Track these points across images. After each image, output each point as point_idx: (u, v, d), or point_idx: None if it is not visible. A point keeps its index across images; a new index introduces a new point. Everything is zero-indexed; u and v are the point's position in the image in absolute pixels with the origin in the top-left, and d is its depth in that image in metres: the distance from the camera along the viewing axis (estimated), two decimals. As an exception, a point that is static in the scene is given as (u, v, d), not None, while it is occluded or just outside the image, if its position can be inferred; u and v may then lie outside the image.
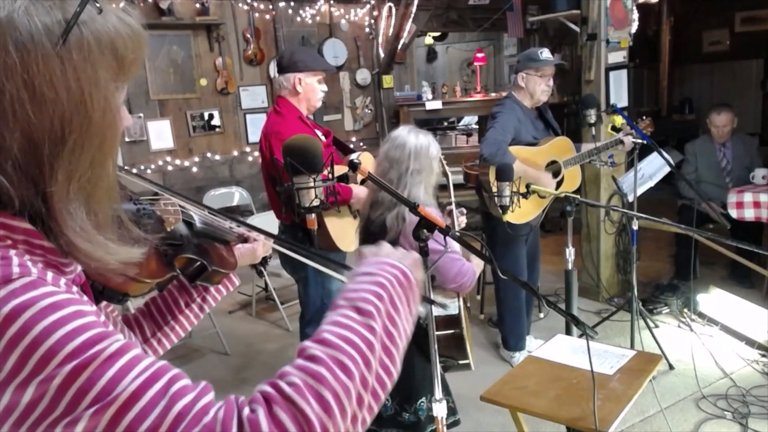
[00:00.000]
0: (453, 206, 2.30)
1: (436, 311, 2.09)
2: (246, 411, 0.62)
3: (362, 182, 2.83)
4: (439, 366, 1.52)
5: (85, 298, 0.75)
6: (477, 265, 2.16)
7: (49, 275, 0.65)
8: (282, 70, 2.84)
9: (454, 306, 2.12)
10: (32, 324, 0.59)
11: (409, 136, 2.17)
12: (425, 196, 2.14)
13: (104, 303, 0.93)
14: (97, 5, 0.66)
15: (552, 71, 3.32)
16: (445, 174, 2.32)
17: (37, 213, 0.66)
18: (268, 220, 3.47)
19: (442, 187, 2.37)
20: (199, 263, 1.03)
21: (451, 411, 2.22)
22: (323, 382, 0.66)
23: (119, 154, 4.88)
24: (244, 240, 1.29)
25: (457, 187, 2.47)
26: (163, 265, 0.92)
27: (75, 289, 0.69)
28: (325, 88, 2.92)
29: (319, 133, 2.82)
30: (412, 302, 0.84)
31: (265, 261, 1.35)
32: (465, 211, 2.37)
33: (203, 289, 1.17)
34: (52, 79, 0.62)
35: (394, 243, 1.19)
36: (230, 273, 1.19)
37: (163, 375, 0.62)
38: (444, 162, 2.33)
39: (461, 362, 2.14)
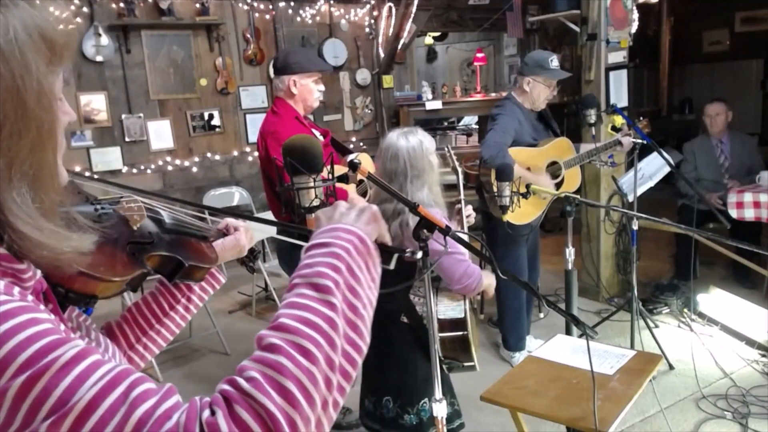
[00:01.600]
0: (462, 204, 2.25)
1: (441, 314, 2.08)
2: (206, 413, 0.59)
3: (360, 182, 2.83)
4: (439, 366, 1.52)
5: (50, 306, 0.73)
6: (487, 276, 2.14)
7: (1, 284, 0.63)
8: (277, 72, 2.84)
9: (460, 309, 2.11)
10: None
11: (399, 142, 2.12)
12: (429, 196, 2.11)
13: (76, 313, 0.90)
14: None
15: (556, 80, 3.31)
16: (455, 170, 2.26)
17: None
18: (268, 220, 3.46)
19: (452, 186, 2.33)
20: (173, 260, 1.00)
21: (456, 414, 2.21)
22: (283, 371, 0.62)
23: (122, 154, 4.95)
24: (225, 234, 1.23)
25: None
26: (130, 262, 0.89)
27: (30, 297, 0.67)
28: (322, 88, 2.91)
29: (316, 133, 2.81)
30: (372, 267, 0.80)
31: (254, 255, 1.30)
32: (472, 208, 2.33)
33: (187, 289, 1.13)
34: None
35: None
36: (212, 269, 1.14)
37: (123, 380, 0.59)
38: (454, 158, 2.29)
39: (466, 364, 2.13)
